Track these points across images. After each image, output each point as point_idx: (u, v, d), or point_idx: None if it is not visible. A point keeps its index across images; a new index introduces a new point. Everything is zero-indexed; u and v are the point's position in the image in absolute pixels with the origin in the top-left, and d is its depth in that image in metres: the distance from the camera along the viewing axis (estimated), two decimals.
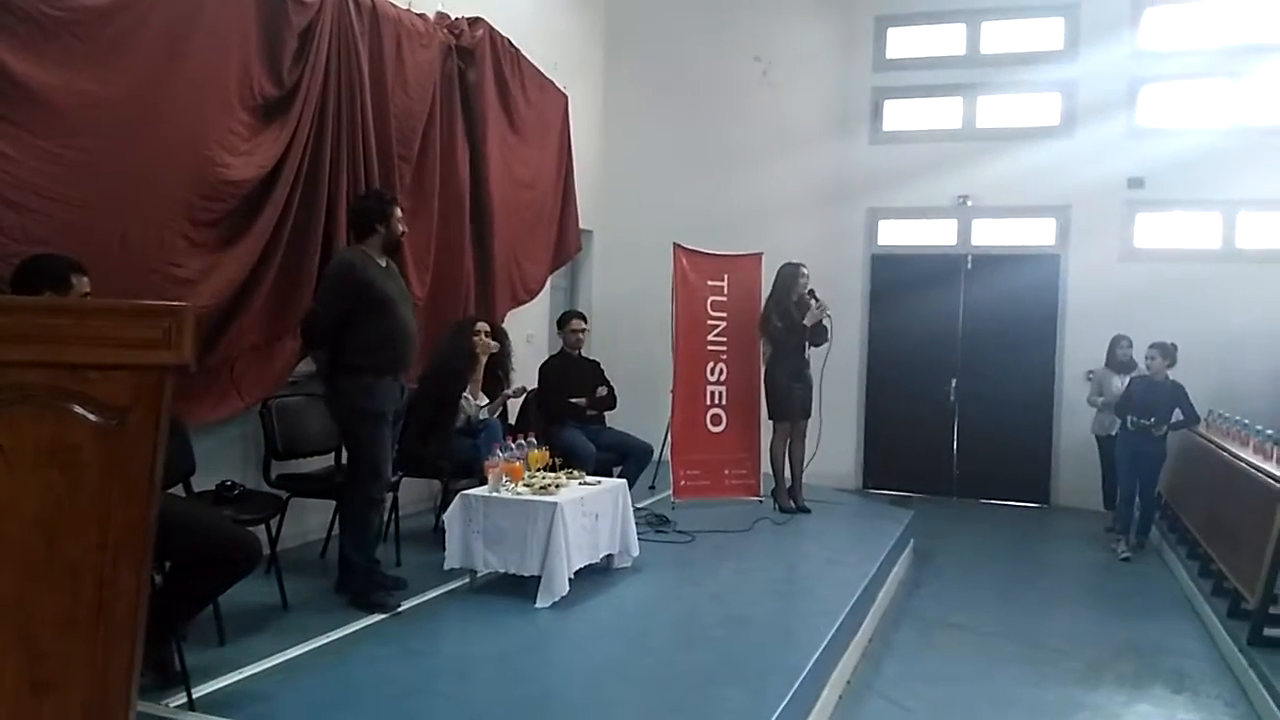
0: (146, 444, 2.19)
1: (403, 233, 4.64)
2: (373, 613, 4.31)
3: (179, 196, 4.32)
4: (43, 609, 2.13)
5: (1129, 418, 7.14)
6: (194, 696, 3.27)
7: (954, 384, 9.21)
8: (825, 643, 4.21)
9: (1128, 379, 7.51)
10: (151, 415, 2.17)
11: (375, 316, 4.36)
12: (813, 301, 6.97)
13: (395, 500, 5.44)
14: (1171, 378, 7.13)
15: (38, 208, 3.70)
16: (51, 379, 2.10)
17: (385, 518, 5.21)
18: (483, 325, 5.85)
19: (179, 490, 4.00)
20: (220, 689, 3.40)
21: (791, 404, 7.02)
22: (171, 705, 3.22)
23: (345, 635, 4.05)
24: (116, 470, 2.16)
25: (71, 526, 2.14)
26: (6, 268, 3.39)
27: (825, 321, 6.97)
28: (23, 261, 3.21)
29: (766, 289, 7.24)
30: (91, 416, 2.12)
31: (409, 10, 6.08)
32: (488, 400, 5.84)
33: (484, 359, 5.75)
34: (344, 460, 5.13)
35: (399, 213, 4.58)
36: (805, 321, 6.94)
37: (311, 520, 5.45)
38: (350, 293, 4.35)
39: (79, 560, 2.15)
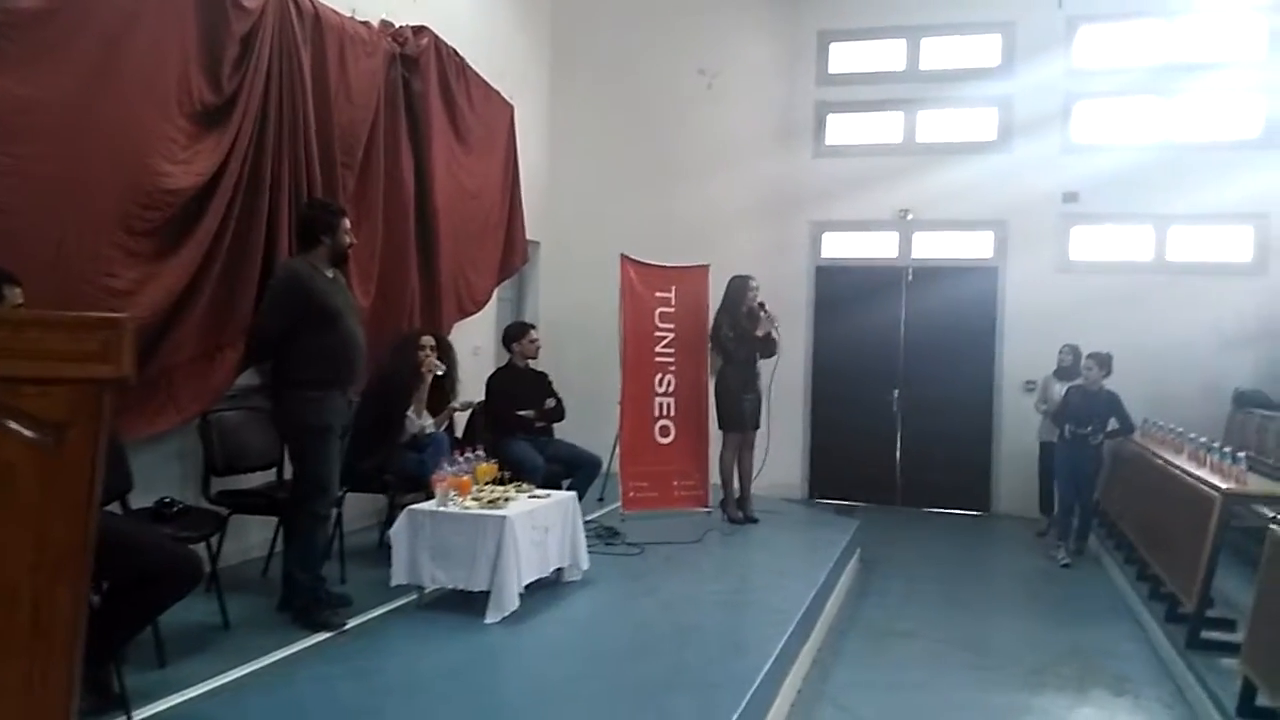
0: (85, 461, 2.10)
1: (350, 244, 4.56)
2: (318, 631, 4.22)
3: (116, 205, 4.19)
4: None
5: (1066, 426, 7.29)
6: (134, 719, 3.16)
7: (896, 394, 9.33)
8: (776, 652, 4.23)
9: (1068, 386, 7.69)
10: (90, 431, 2.09)
11: (322, 329, 4.28)
12: (762, 313, 7.01)
13: (340, 516, 5.32)
14: (1107, 387, 7.30)
15: None
16: None
17: (331, 534, 5.10)
18: (428, 339, 5.77)
19: (115, 507, 3.87)
20: (161, 712, 3.31)
21: (742, 415, 7.05)
22: None
23: (290, 655, 3.96)
24: (53, 488, 2.07)
25: (5, 547, 2.04)
26: None
27: (774, 333, 7.03)
28: None
29: (714, 300, 7.28)
30: (27, 433, 2.03)
31: (353, 18, 6.00)
32: (432, 417, 5.77)
33: (429, 378, 5.68)
34: (286, 476, 5.04)
35: (347, 224, 4.51)
36: (756, 332, 6.98)
37: (253, 537, 5.32)
38: (296, 305, 4.26)
39: (13, 581, 2.06)
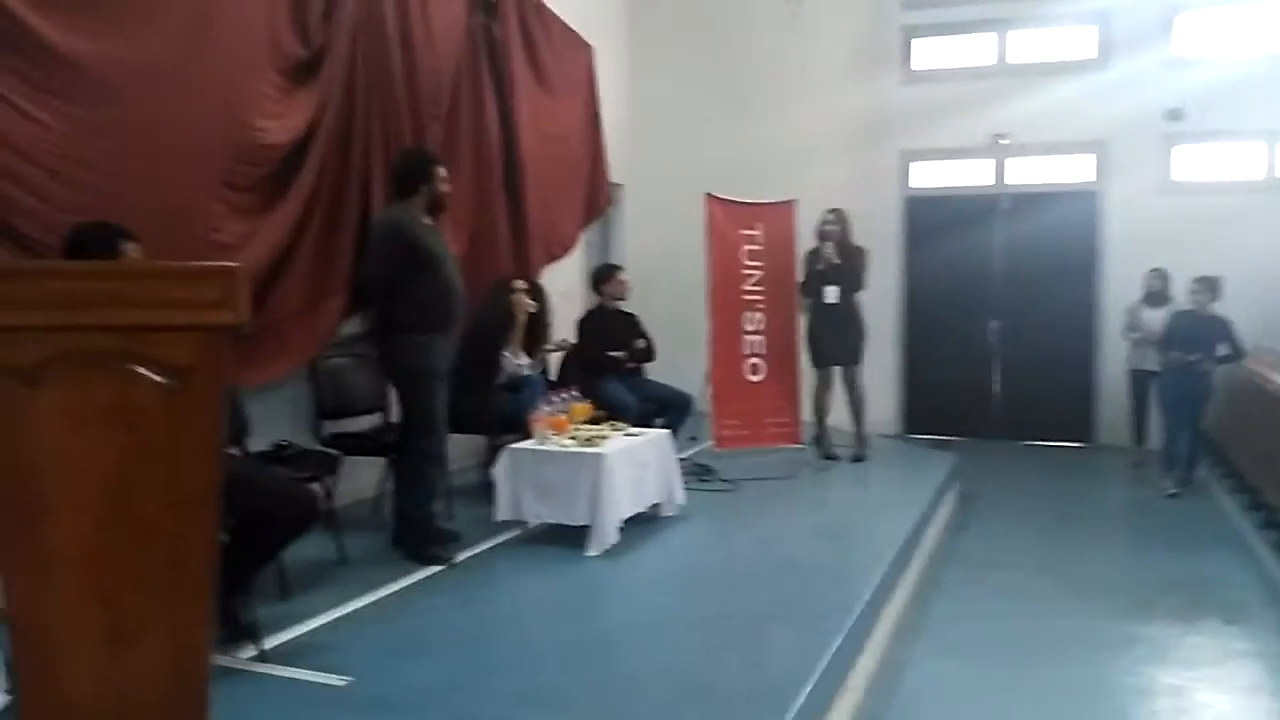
0: (210, 403, 2.22)
1: (446, 192, 4.61)
2: (431, 565, 4.38)
3: (216, 162, 4.34)
4: (119, 566, 2.19)
5: (1173, 353, 7.06)
6: (264, 648, 3.35)
7: (993, 325, 9.12)
8: (876, 583, 4.25)
9: (1162, 312, 7.43)
10: (213, 375, 2.20)
11: (424, 276, 4.37)
12: (826, 246, 6.92)
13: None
14: (1216, 311, 7.03)
15: (80, 177, 3.72)
16: (116, 341, 2.13)
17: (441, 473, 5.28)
18: (520, 284, 5.88)
19: (235, 450, 4.06)
20: (288, 641, 3.49)
21: (821, 351, 7.00)
22: (244, 657, 3.30)
23: (404, 587, 4.14)
24: (182, 430, 2.20)
25: (142, 485, 2.18)
26: (56, 238, 3.43)
27: (831, 262, 6.88)
28: (72, 230, 3.25)
29: (801, 236, 7.20)
30: (156, 377, 2.16)
31: None
32: (528, 358, 5.88)
33: (523, 318, 5.78)
34: (392, 418, 5.22)
35: (442, 172, 4.56)
36: (818, 266, 6.91)
37: (363, 478, 5.52)
38: (398, 252, 4.36)
39: (151, 518, 2.20)
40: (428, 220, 4.53)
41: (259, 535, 3.42)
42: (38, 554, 2.13)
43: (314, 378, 4.98)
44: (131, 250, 3.19)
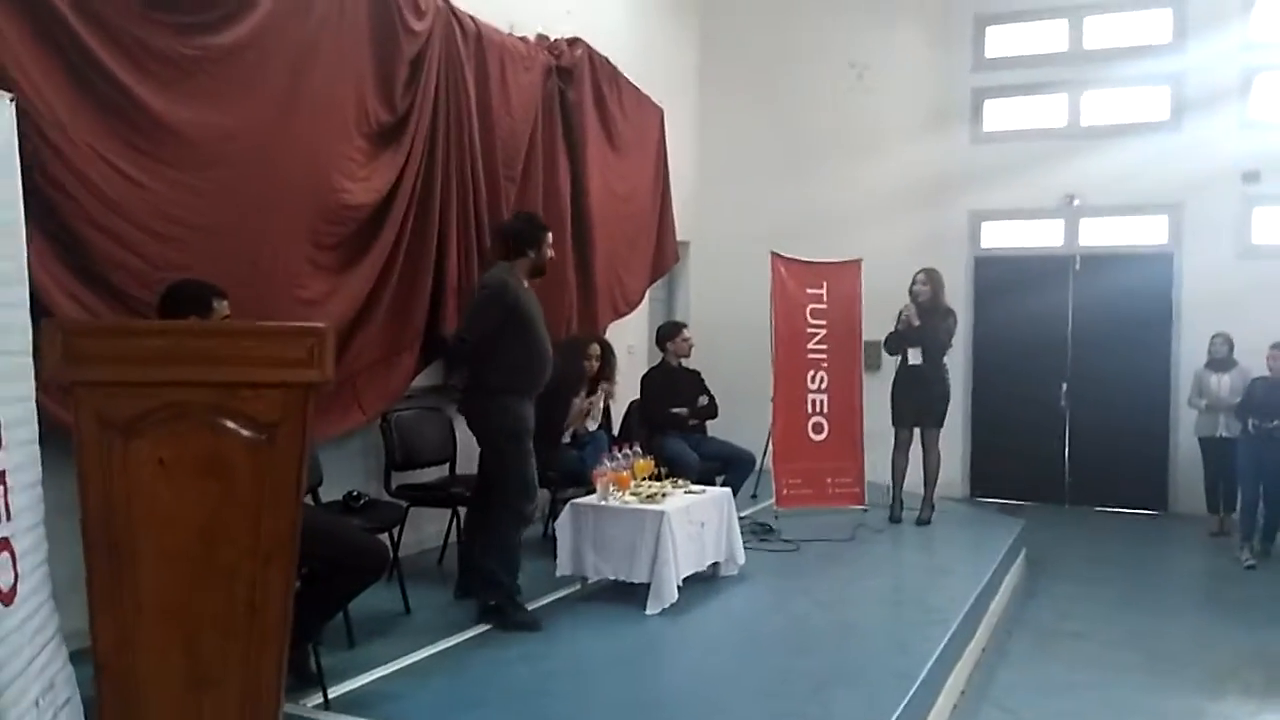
0: (293, 456, 2.34)
1: (550, 258, 4.67)
2: (519, 631, 4.29)
3: (303, 221, 4.55)
4: (202, 611, 2.30)
5: (1250, 420, 6.89)
6: (330, 696, 3.43)
7: (1064, 388, 8.99)
8: (938, 651, 4.19)
9: (1228, 377, 7.30)
10: (298, 429, 2.32)
11: (520, 338, 4.39)
12: (908, 307, 6.90)
13: None
14: None
15: (177, 235, 3.94)
16: (208, 397, 2.26)
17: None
18: (594, 349, 5.99)
19: (308, 500, 4.19)
20: (353, 690, 3.57)
21: (902, 411, 6.97)
22: (309, 705, 3.39)
23: (467, 639, 4.19)
24: (266, 481, 2.32)
25: (227, 534, 2.30)
26: (151, 294, 3.63)
27: (910, 324, 6.84)
28: (167, 288, 3.42)
29: (867, 295, 7.22)
30: (244, 432, 2.28)
31: (511, 34, 6.27)
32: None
33: (594, 392, 5.93)
34: (459, 470, 5.34)
35: (550, 238, 4.63)
36: (897, 327, 6.91)
37: (428, 528, 5.64)
38: (501, 313, 4.37)
39: (234, 565, 2.31)
40: (526, 283, 4.54)
41: (330, 584, 3.52)
42: (127, 598, 2.25)
43: (386, 429, 5.12)
44: (222, 307, 3.35)
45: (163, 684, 2.29)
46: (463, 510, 5.16)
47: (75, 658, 2.69)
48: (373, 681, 3.67)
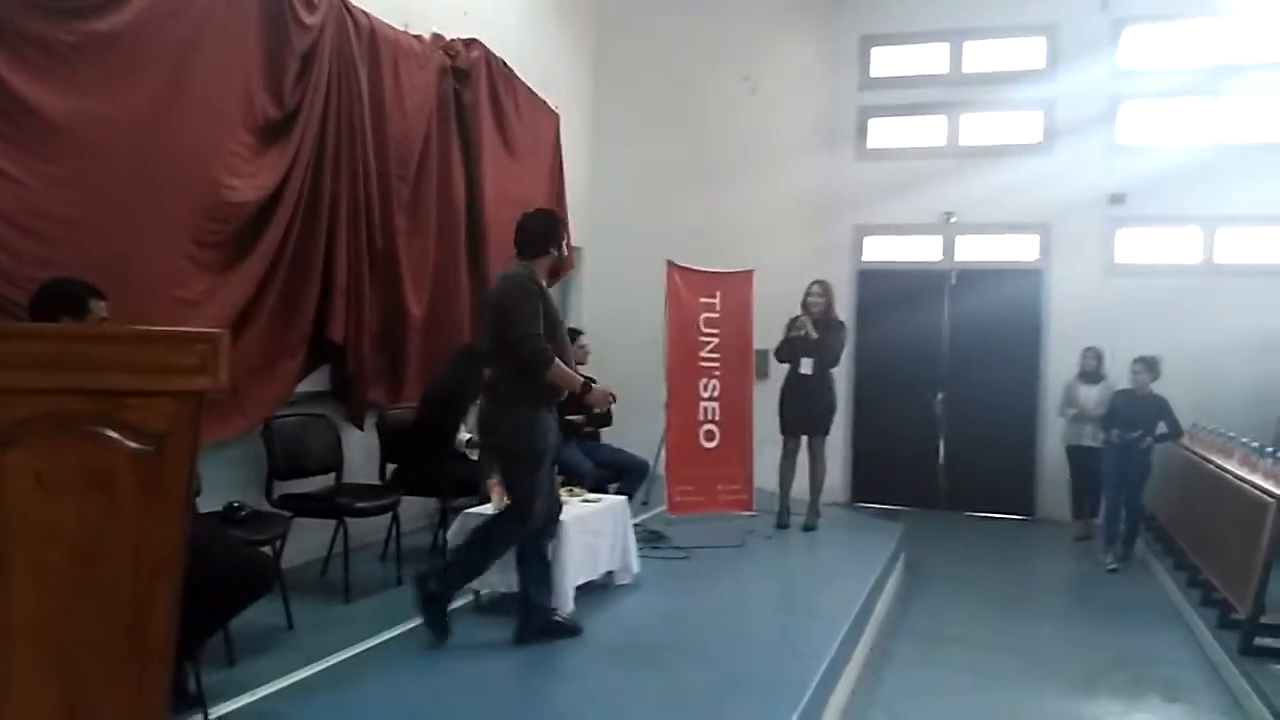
0: (182, 468, 2.21)
1: (570, 256, 4.47)
2: (567, 636, 4.30)
3: (184, 218, 4.34)
4: (81, 633, 2.15)
5: (1114, 431, 7.27)
6: (210, 718, 3.28)
7: (939, 398, 9.31)
8: (830, 656, 4.27)
9: (1096, 390, 7.67)
10: (188, 440, 2.19)
11: (549, 341, 4.11)
12: (804, 319, 7.02)
13: (396, 518, 5.46)
14: (1155, 391, 7.26)
15: (48, 231, 3.71)
16: (92, 406, 2.11)
17: (389, 534, 5.22)
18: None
19: None
20: (235, 709, 3.42)
21: (790, 420, 7.07)
22: None
23: (355, 655, 4.06)
24: (152, 495, 2.17)
25: (109, 551, 2.15)
26: (20, 292, 3.40)
27: (805, 335, 6.95)
28: (41, 286, 3.22)
29: (759, 305, 7.32)
30: (130, 443, 2.14)
31: (406, 32, 6.12)
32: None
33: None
34: (345, 479, 5.19)
35: (569, 235, 4.46)
36: (793, 335, 7.01)
37: (311, 539, 5.43)
38: (538, 313, 4.07)
39: (115, 585, 2.16)
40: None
41: (211, 601, 3.34)
42: None
43: (268, 437, 4.92)
44: (100, 308, 3.16)
45: (34, 715, 2.13)
46: (349, 520, 5.01)
47: None
48: (255, 701, 3.52)
